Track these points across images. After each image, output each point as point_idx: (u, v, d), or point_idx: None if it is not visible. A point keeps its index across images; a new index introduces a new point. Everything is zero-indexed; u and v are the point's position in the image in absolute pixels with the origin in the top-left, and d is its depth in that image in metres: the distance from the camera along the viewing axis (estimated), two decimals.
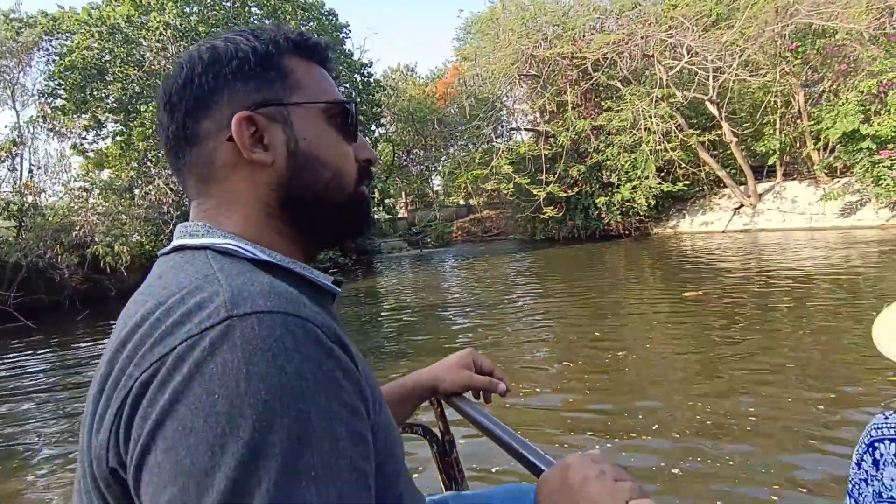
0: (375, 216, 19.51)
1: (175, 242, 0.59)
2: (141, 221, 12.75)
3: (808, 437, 3.20)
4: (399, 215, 29.91)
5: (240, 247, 0.56)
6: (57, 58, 14.17)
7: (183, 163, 0.62)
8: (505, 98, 20.75)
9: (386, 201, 19.34)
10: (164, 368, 0.43)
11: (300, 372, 0.43)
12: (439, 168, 29.28)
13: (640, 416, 3.68)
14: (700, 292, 7.59)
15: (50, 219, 11.52)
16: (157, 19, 14.68)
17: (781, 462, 2.96)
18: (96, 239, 11.53)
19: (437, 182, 31.81)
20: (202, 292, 0.47)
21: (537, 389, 4.40)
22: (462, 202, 29.29)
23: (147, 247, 13.41)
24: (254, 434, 0.40)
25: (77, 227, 11.32)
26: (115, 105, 15.17)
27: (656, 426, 3.48)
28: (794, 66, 14.36)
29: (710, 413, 3.58)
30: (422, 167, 28.63)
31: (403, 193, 30.82)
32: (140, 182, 14.20)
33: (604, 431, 3.53)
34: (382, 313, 9.23)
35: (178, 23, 15.12)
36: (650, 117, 15.29)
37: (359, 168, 0.67)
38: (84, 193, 13.22)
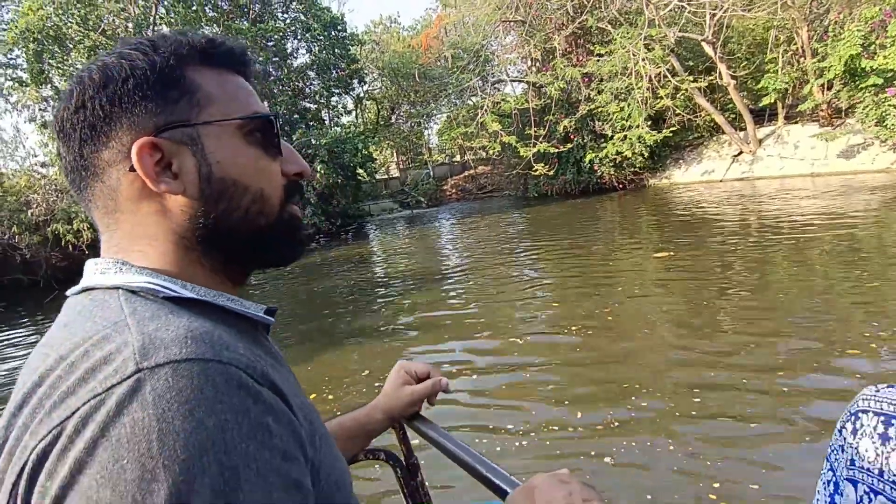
0: (360, 179, 18.84)
1: (84, 282, 0.52)
2: None
3: (798, 411, 3.00)
4: (392, 174, 29.27)
5: (156, 284, 0.50)
6: (6, 26, 13.42)
7: (86, 195, 0.55)
8: (491, 45, 19.68)
9: (368, 164, 18.56)
10: (64, 435, 0.38)
11: (223, 424, 0.39)
12: (432, 125, 28.35)
13: (623, 396, 3.45)
14: (671, 253, 7.11)
15: (9, 198, 11.13)
16: None
17: (773, 437, 2.80)
18: (56, 216, 11.15)
19: (432, 139, 30.91)
20: (109, 343, 0.42)
21: (517, 370, 4.14)
22: (457, 159, 28.48)
23: None
24: (171, 499, 0.36)
25: (34, 206, 10.96)
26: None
27: (640, 406, 3.30)
28: None
29: (691, 391, 3.39)
30: (413, 123, 27.57)
31: (395, 152, 29.98)
32: None
33: (588, 403, 3.40)
34: (376, 279, 8.84)
35: None
36: (642, 61, 14.31)
37: (286, 185, 0.60)
38: (42, 169, 12.76)
